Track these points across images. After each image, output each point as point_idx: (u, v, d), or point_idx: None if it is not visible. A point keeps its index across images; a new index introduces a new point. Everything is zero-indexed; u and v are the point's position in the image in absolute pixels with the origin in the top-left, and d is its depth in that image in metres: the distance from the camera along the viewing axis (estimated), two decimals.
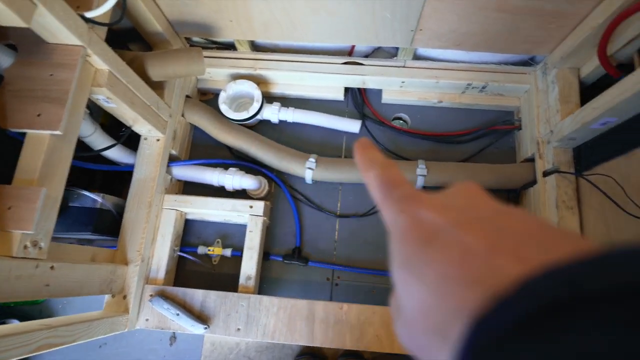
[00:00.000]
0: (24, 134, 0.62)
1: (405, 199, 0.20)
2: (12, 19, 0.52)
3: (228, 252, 0.99)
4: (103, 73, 0.70)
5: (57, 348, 0.63)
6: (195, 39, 1.05)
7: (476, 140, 1.08)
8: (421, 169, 0.97)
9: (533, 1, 0.76)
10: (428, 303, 0.16)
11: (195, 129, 1.11)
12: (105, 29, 0.69)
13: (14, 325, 0.58)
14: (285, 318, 0.86)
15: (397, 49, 1.01)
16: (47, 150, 0.61)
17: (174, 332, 1.00)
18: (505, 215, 0.17)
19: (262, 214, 0.95)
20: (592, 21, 0.76)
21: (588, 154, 0.85)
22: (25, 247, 0.57)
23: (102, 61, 0.68)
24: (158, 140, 0.94)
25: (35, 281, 0.60)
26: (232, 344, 0.98)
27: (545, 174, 0.91)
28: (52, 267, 0.63)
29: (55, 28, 0.59)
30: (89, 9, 0.64)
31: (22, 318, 0.98)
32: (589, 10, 0.76)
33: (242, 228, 1.00)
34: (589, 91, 0.90)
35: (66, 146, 0.65)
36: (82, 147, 0.85)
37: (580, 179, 0.86)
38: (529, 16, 0.80)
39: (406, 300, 0.18)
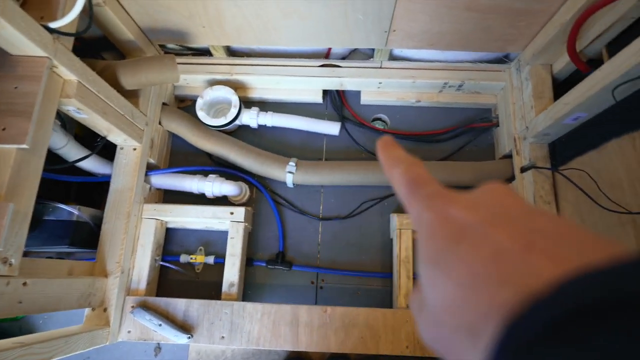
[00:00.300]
0: None
1: (433, 197, 0.20)
2: None
3: (211, 260, 0.99)
4: (72, 84, 0.69)
5: None
6: (170, 45, 1.04)
7: (455, 138, 1.08)
8: None
9: (502, 0, 0.76)
10: (457, 300, 0.16)
11: (174, 136, 1.10)
12: (72, 39, 0.68)
13: None
14: (269, 324, 0.86)
15: (373, 50, 1.01)
16: (14, 164, 0.59)
17: (158, 343, 0.99)
18: (536, 215, 0.16)
19: (243, 220, 0.94)
20: (560, 18, 0.77)
21: (563, 149, 0.86)
22: None
23: (70, 72, 0.67)
24: (135, 149, 0.93)
25: (6, 298, 0.58)
26: (217, 352, 0.97)
27: (523, 169, 0.92)
28: (24, 284, 0.62)
29: (18, 40, 0.58)
30: (54, 19, 0.63)
31: (1, 335, 0.96)
32: (556, 7, 0.78)
33: (224, 235, 0.99)
34: (562, 87, 0.91)
35: (35, 160, 0.63)
36: (55, 159, 0.83)
37: (557, 174, 0.87)
38: (499, 15, 0.81)
39: (433, 297, 0.17)
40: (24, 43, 0.59)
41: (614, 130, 0.70)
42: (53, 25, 0.62)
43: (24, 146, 0.60)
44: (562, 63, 0.87)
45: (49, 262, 0.74)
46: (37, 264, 0.71)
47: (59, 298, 0.70)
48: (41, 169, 0.65)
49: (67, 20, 0.63)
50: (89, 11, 0.70)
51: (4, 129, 0.59)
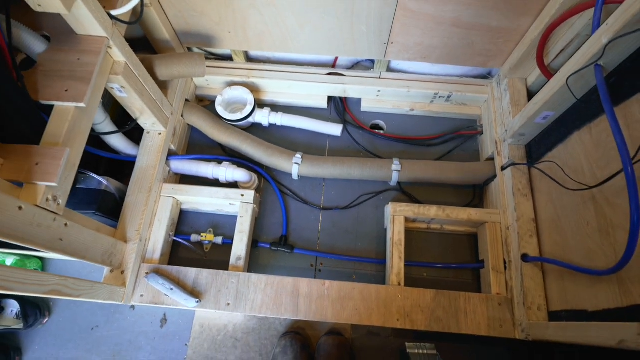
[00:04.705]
0: (49, 108, 0.72)
1: None
2: (57, 7, 0.64)
3: (219, 240, 1.07)
4: (120, 64, 0.82)
5: (66, 298, 0.69)
6: (196, 50, 1.19)
7: (445, 143, 1.22)
8: (396, 165, 1.09)
9: (481, 19, 0.92)
10: None
11: (192, 130, 1.22)
12: (125, 26, 0.82)
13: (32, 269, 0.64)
14: (272, 294, 0.93)
15: (373, 62, 1.16)
16: (71, 120, 0.71)
17: (164, 315, 1.05)
18: None
19: (252, 202, 1.04)
20: (530, 35, 0.93)
21: (537, 148, 0.99)
22: (47, 199, 0.66)
23: (121, 54, 0.80)
24: (160, 134, 1.04)
25: (51, 233, 0.67)
26: (220, 326, 1.03)
27: (503, 168, 1.05)
28: (66, 224, 0.71)
29: (87, 20, 0.71)
30: (114, 7, 0.76)
31: (21, 300, 1.02)
32: (527, 26, 0.93)
33: (232, 219, 1.09)
34: None
35: (86, 118, 0.75)
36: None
37: (532, 170, 0.99)
38: (480, 32, 0.96)
39: None
40: (91, 23, 0.72)
41: (576, 125, 0.83)
42: (113, 12, 0.76)
43: (82, 105, 0.71)
44: (535, 76, 1.02)
45: (81, 215, 0.83)
46: (73, 214, 0.80)
47: (89, 247, 0.78)
48: (89, 128, 0.76)
49: (125, 9, 0.77)
50: (140, 7, 0.84)
51: (66, 91, 0.71)
